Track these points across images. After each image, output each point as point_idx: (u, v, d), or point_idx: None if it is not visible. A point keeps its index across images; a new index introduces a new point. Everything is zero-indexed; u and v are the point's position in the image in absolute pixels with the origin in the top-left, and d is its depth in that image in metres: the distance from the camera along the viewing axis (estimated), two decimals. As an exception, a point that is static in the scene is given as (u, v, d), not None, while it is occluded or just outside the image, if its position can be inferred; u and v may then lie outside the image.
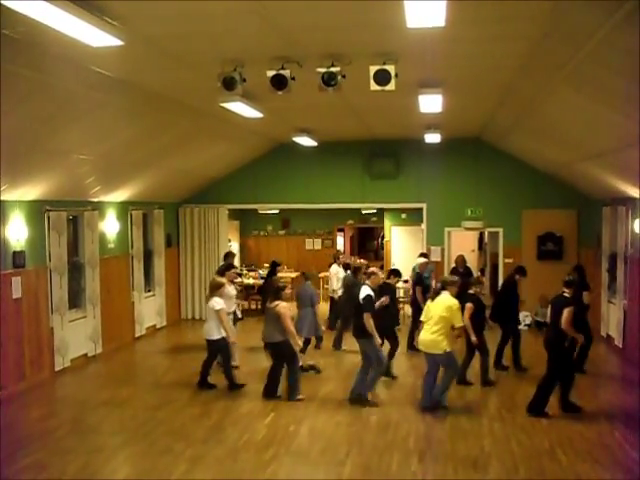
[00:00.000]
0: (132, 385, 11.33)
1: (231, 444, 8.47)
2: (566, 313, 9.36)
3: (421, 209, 17.40)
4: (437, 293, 9.94)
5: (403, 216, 22.19)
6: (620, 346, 13.21)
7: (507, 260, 16.69)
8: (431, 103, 10.39)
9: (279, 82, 7.88)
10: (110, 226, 13.97)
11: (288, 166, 17.51)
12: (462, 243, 19.37)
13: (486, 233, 19.61)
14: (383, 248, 23.55)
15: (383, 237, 23.48)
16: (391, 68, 7.62)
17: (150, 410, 9.89)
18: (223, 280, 11.52)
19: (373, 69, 7.66)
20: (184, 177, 16.02)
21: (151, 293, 16.24)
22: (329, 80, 7.78)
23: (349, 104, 11.50)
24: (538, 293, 15.06)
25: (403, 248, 22.25)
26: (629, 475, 7.53)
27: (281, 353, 10.32)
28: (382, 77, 7.65)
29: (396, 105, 11.48)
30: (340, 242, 23.95)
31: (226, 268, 12.54)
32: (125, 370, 12.54)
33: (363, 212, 22.69)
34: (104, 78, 8.57)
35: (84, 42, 6.41)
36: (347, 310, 12.28)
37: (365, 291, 9.99)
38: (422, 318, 9.92)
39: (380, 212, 22.60)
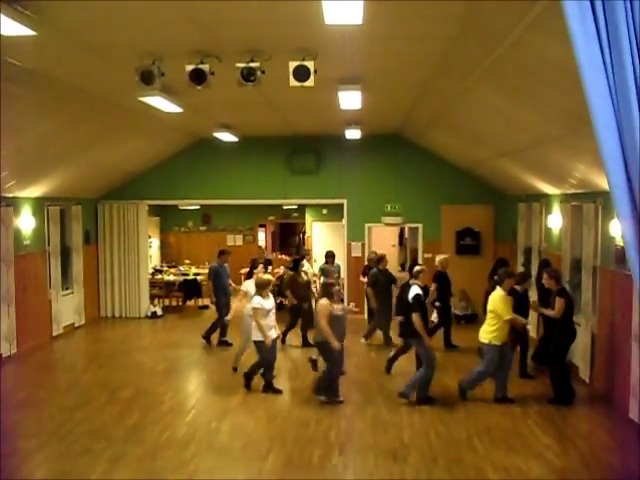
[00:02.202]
0: (49, 385, 11.08)
1: (152, 443, 8.38)
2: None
3: (342, 205, 17.53)
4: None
5: (324, 212, 22.31)
6: (535, 337, 13.61)
7: (427, 255, 16.95)
8: (351, 99, 10.48)
9: (198, 77, 7.82)
10: (26, 222, 13.59)
11: (209, 161, 17.38)
12: (383, 238, 19.64)
13: (406, 228, 19.89)
14: (305, 244, 23.62)
15: (304, 233, 23.55)
16: (310, 64, 7.65)
17: (68, 410, 9.69)
18: (270, 277, 11.14)
19: (292, 65, 7.67)
20: (103, 172, 15.72)
21: (69, 291, 15.89)
22: (248, 75, 7.76)
23: (269, 100, 11.50)
24: (458, 287, 15.35)
25: (324, 244, 22.36)
26: (541, 460, 7.79)
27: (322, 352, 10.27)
28: (301, 73, 7.67)
29: (316, 101, 11.52)
30: (262, 238, 23.93)
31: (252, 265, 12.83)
32: (42, 370, 12.24)
33: (284, 208, 22.71)
34: (18, 69, 8.32)
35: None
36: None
37: (414, 291, 9.95)
38: None
39: (301, 208, 22.68)
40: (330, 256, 14.85)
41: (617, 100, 2.75)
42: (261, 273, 11.73)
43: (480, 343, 10.05)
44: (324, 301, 10.00)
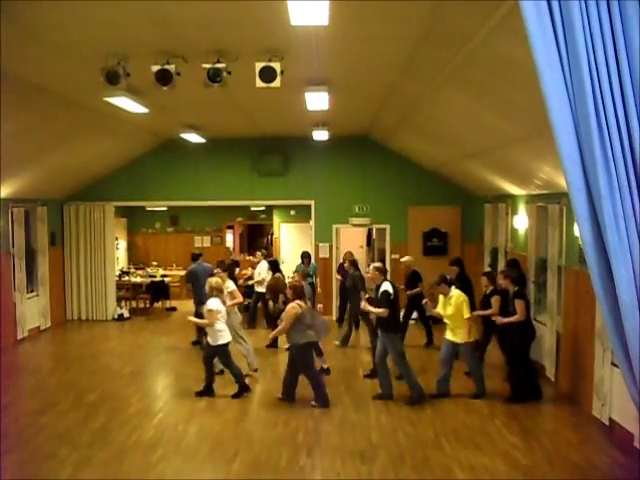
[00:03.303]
0: (14, 389, 10.93)
1: (118, 446, 8.32)
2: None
3: (309, 206, 17.54)
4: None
5: (292, 213, 22.28)
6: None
7: (394, 256, 17.04)
8: (317, 101, 10.48)
9: (164, 77, 7.78)
10: (-11, 224, 13.43)
11: (176, 162, 17.29)
12: (350, 239, 19.66)
13: (374, 229, 19.94)
14: (273, 245, 23.59)
15: (272, 234, 23.52)
16: (277, 65, 7.65)
17: (33, 415, 9.57)
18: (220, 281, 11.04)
19: (259, 66, 7.66)
20: (69, 173, 15.56)
21: (34, 293, 15.71)
22: (214, 76, 7.75)
23: (236, 101, 11.47)
24: (425, 288, 15.40)
25: (292, 245, 22.36)
26: (507, 458, 7.86)
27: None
28: (267, 74, 7.66)
29: (283, 102, 11.52)
30: (229, 239, 23.84)
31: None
32: (6, 374, 12.08)
33: (252, 209, 22.67)
34: (-21, 70, 8.23)
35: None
36: None
37: (384, 287, 10.07)
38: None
39: (269, 209, 22.64)
40: (306, 257, 14.91)
41: (575, 102, 2.79)
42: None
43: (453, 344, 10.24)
44: (295, 303, 10.01)
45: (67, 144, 13.23)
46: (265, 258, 15.73)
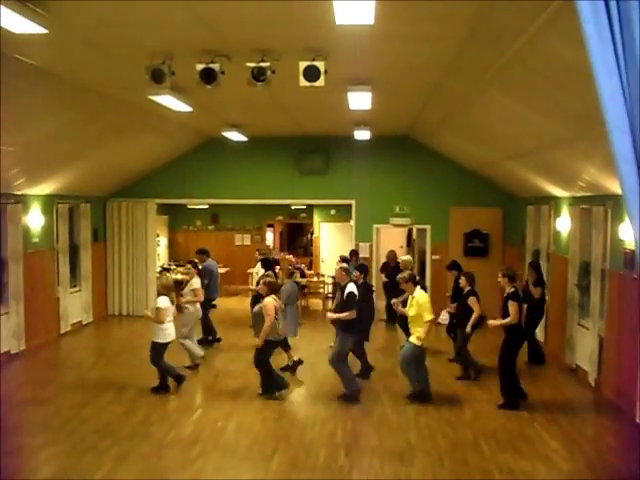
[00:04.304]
0: (56, 383, 11.09)
1: (157, 441, 8.39)
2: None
3: (350, 205, 17.52)
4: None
5: (332, 212, 22.27)
6: (542, 340, 13.60)
7: (434, 257, 16.96)
8: (360, 100, 10.46)
9: (208, 76, 7.82)
10: (35, 220, 13.62)
11: (218, 161, 17.40)
12: (390, 240, 19.60)
13: (414, 230, 19.85)
14: (312, 244, 23.62)
15: (312, 233, 23.55)
16: (320, 64, 7.63)
17: (74, 408, 9.70)
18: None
19: (303, 65, 7.66)
20: (112, 171, 15.75)
21: (77, 288, 15.94)
22: (258, 75, 7.76)
23: (279, 100, 11.50)
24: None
25: (332, 244, 22.36)
26: (547, 463, 7.76)
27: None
28: (311, 73, 7.66)
29: (326, 101, 11.52)
30: (270, 238, 23.93)
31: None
32: (49, 367, 12.25)
33: (293, 208, 22.71)
34: (28, 67, 8.34)
35: (6, 28, 6.24)
36: None
37: (349, 288, 10.10)
38: None
39: (310, 208, 22.66)
40: (354, 254, 14.97)
41: (630, 103, 2.73)
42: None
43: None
44: (271, 298, 10.16)
45: (111, 142, 13.39)
46: (265, 256, 15.79)
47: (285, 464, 7.72)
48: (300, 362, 11.70)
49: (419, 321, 9.80)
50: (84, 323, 16.08)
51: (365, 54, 8.11)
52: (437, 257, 16.69)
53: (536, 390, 10.57)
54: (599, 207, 10.58)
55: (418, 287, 10.11)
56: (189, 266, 12.49)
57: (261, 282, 10.66)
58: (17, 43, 7.14)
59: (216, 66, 7.80)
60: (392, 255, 15.76)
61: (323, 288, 20.07)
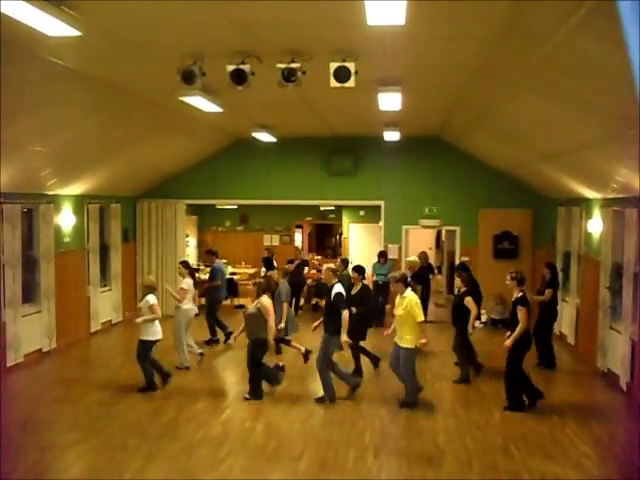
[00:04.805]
0: (86, 381, 11.19)
1: (186, 440, 8.43)
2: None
3: (379, 206, 17.49)
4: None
5: (361, 213, 22.23)
6: (572, 343, 13.47)
7: (464, 258, 16.86)
8: (390, 101, 10.44)
9: (239, 77, 7.84)
10: (66, 220, 13.79)
11: (247, 161, 17.46)
12: (420, 241, 19.55)
13: (443, 231, 19.78)
14: (341, 245, 23.60)
15: (341, 234, 23.53)
16: (351, 65, 7.62)
17: (104, 406, 9.80)
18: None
19: (333, 66, 7.66)
20: (142, 171, 15.88)
21: (107, 288, 16.08)
22: (289, 76, 7.76)
23: (309, 100, 11.51)
24: (494, 291, 15.21)
25: (361, 245, 22.32)
26: (579, 468, 7.67)
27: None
28: (342, 74, 7.65)
29: (356, 102, 11.50)
30: (298, 239, 23.94)
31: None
32: (79, 365, 12.37)
33: (322, 209, 22.70)
34: (60, 68, 8.43)
35: (40, 31, 6.30)
36: None
37: (336, 289, 10.07)
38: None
39: (338, 209, 22.64)
40: (382, 256, 14.98)
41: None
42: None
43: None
44: (268, 297, 10.32)
45: (142, 142, 13.50)
46: (269, 255, 15.81)
47: (313, 465, 7.72)
48: (282, 368, 11.57)
49: (408, 322, 9.62)
50: (114, 322, 16.22)
51: (395, 54, 8.09)
52: (467, 259, 16.59)
53: (567, 394, 10.48)
54: (632, 209, 10.45)
55: (409, 288, 9.97)
56: (179, 267, 12.81)
57: (252, 284, 10.75)
58: (50, 45, 7.21)
59: (247, 67, 7.82)
60: (423, 256, 15.76)
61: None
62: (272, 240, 22.68)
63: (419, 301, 9.87)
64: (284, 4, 6.23)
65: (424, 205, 17.10)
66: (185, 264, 12.93)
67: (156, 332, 10.64)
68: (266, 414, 9.55)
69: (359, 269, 11.75)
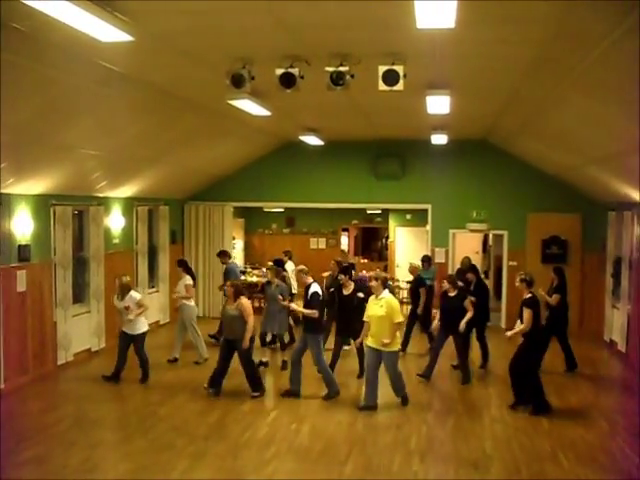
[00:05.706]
0: (134, 380, 11.31)
1: (233, 441, 8.49)
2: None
3: (426, 210, 17.40)
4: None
5: (408, 217, 22.11)
6: (623, 351, 13.23)
7: (511, 263, 16.69)
8: (439, 104, 10.37)
9: (288, 80, 7.86)
10: (115, 221, 14.00)
11: (294, 165, 17.50)
12: (466, 245, 19.36)
13: (490, 235, 19.59)
14: (387, 249, 23.53)
15: (387, 237, 23.46)
16: (400, 68, 7.59)
17: (152, 406, 9.93)
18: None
19: (382, 69, 7.63)
20: (190, 174, 16.03)
21: (155, 289, 16.27)
22: (337, 79, 7.76)
23: (357, 104, 11.50)
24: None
25: (407, 249, 22.22)
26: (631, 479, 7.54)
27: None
28: (391, 77, 7.62)
29: (403, 105, 11.46)
30: (345, 242, 23.94)
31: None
32: (128, 365, 12.50)
33: (368, 212, 22.65)
34: (112, 73, 8.56)
35: (93, 37, 6.41)
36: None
37: (313, 289, 10.50)
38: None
39: (385, 212, 22.57)
40: (426, 260, 14.90)
41: None
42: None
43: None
44: (246, 299, 10.60)
45: (191, 146, 13.63)
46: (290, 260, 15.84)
47: (359, 468, 7.72)
48: (265, 364, 12.37)
49: (387, 322, 9.62)
50: (161, 323, 16.40)
51: (444, 58, 8.04)
52: (514, 263, 16.41)
53: (616, 402, 10.29)
54: (686, 214, 10.25)
55: (387, 290, 9.98)
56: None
57: (229, 285, 10.89)
58: (102, 50, 7.33)
59: (295, 70, 7.83)
60: (466, 261, 15.56)
61: (398, 293, 19.95)
62: (318, 243, 22.74)
63: (398, 303, 9.96)
64: (333, 7, 6.24)
65: (472, 209, 16.93)
66: (181, 262, 13.49)
67: (145, 324, 11.43)
68: (312, 417, 9.57)
69: (345, 270, 11.98)
